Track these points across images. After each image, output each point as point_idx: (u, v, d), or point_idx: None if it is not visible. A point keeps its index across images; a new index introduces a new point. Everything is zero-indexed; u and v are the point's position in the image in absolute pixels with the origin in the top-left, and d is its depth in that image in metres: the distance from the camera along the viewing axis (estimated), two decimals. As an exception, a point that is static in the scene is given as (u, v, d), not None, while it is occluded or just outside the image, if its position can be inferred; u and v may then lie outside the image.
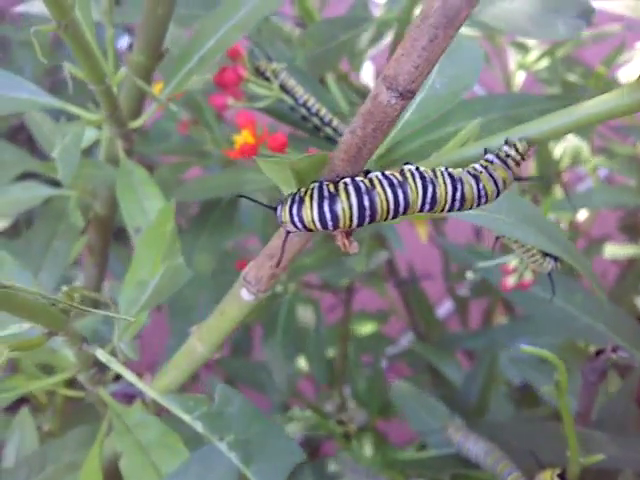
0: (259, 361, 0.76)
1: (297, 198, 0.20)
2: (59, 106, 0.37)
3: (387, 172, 0.20)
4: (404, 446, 0.67)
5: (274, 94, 0.39)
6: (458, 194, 0.21)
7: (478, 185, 0.21)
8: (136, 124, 0.38)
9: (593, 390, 0.39)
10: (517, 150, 0.22)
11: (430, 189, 0.20)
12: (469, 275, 0.49)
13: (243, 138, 0.37)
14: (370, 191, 0.19)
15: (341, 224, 0.19)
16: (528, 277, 0.34)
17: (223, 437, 0.26)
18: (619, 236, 0.88)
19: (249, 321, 0.68)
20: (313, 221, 0.19)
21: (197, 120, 0.53)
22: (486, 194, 0.21)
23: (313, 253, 0.57)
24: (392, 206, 0.20)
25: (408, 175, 0.20)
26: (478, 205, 0.21)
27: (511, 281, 0.34)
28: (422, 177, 0.20)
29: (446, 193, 0.20)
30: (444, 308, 1.13)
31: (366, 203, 0.19)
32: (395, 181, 0.20)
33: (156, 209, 0.36)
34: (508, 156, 0.22)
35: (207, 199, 0.48)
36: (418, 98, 0.25)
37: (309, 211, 0.19)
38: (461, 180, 0.21)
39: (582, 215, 0.83)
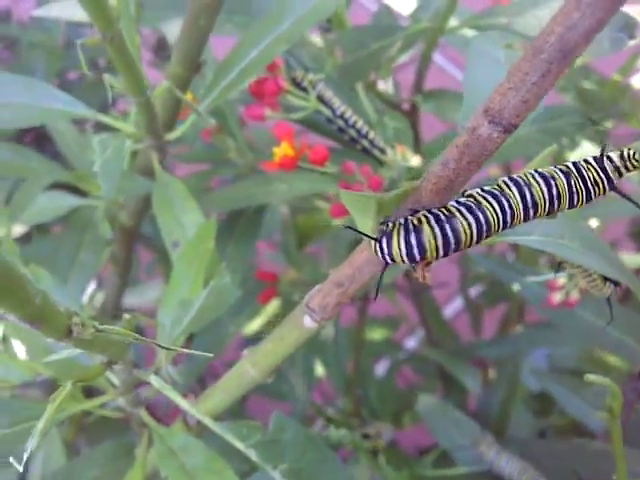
0: (279, 370, 0.76)
1: (396, 231, 0.19)
2: (94, 117, 0.36)
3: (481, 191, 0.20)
4: (415, 454, 0.67)
5: (312, 105, 0.38)
6: (554, 191, 0.20)
7: (569, 181, 0.20)
8: (172, 136, 0.37)
9: (630, 409, 0.39)
10: (622, 157, 0.21)
11: (527, 193, 0.20)
12: (515, 287, 0.48)
13: (282, 150, 0.36)
14: (450, 219, 0.19)
15: (428, 255, 0.19)
16: (575, 296, 0.33)
17: (277, 465, 0.25)
18: (628, 243, 0.88)
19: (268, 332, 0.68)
20: (401, 255, 0.19)
21: (221, 128, 0.52)
22: (578, 192, 0.20)
23: (333, 262, 0.56)
24: (480, 229, 0.19)
25: (502, 186, 0.20)
26: (571, 206, 0.21)
27: (558, 298, 0.33)
28: (516, 183, 0.20)
29: (542, 192, 0.20)
30: (451, 309, 1.13)
31: (449, 232, 0.19)
32: (474, 205, 0.19)
33: (194, 223, 0.36)
34: (610, 160, 0.21)
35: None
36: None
37: (397, 245, 0.19)
38: (553, 177, 0.20)
39: (592, 223, 0.83)
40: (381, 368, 0.97)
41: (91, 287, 0.62)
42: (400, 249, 0.18)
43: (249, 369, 0.26)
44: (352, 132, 0.39)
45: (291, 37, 0.34)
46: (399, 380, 1.13)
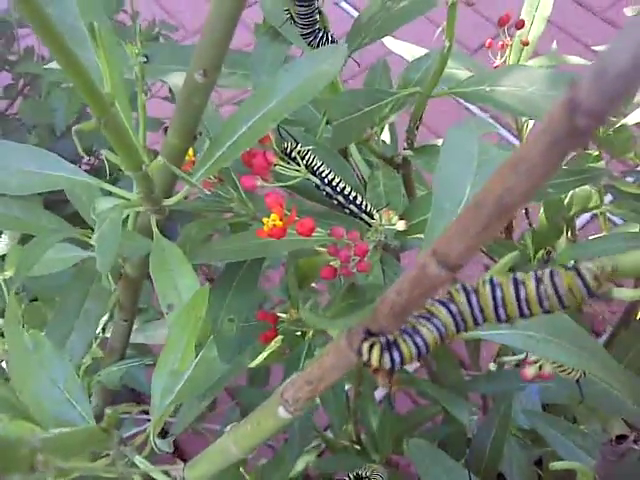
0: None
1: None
2: (96, 185, 0.39)
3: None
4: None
5: (301, 175, 0.40)
6: (522, 294, 0.21)
7: (538, 287, 0.20)
8: (169, 202, 0.40)
9: (611, 466, 0.40)
10: (599, 267, 0.21)
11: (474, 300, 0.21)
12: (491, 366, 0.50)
13: (272, 220, 0.38)
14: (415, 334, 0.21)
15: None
16: (548, 369, 0.35)
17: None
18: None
19: (269, 363, 0.70)
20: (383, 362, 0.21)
21: (222, 178, 0.54)
22: (547, 298, 0.20)
23: (334, 305, 0.58)
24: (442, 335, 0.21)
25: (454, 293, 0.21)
26: (544, 311, 0.21)
27: (531, 372, 0.35)
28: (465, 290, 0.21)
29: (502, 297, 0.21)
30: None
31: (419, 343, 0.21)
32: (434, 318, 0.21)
33: (189, 287, 0.38)
34: (587, 268, 0.20)
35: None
36: (453, 219, 0.26)
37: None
38: (523, 282, 0.21)
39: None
40: (383, 392, 0.99)
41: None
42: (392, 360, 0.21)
43: (231, 447, 0.28)
44: (340, 198, 0.41)
45: (279, 115, 0.36)
46: (405, 400, 1.15)
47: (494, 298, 0.21)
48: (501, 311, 0.22)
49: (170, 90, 0.95)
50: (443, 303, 0.21)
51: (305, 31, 0.45)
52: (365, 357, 0.21)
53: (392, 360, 0.21)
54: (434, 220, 0.25)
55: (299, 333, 0.65)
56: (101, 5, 0.33)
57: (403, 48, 0.69)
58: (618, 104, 0.14)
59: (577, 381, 0.31)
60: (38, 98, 0.93)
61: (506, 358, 0.39)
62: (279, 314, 0.63)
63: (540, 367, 0.34)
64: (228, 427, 0.29)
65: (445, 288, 0.21)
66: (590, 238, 0.78)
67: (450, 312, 0.21)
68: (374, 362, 0.21)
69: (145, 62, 0.57)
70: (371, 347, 0.21)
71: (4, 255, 0.66)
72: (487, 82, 0.42)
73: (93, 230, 0.48)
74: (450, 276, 0.18)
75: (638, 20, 0.13)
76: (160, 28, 1.10)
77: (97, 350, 0.56)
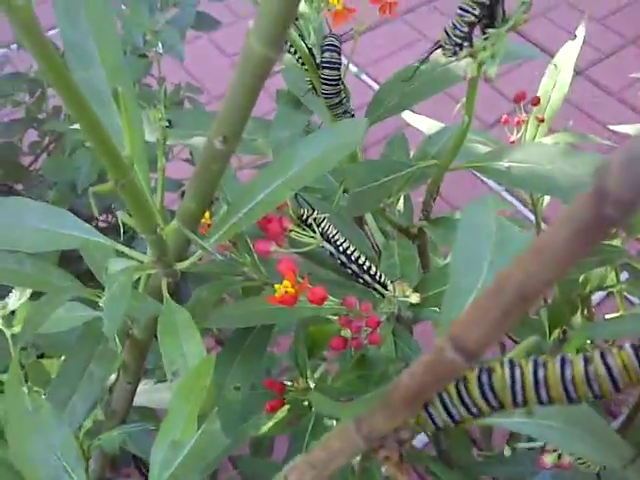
0: (280, 462, 0.75)
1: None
2: (110, 245, 0.39)
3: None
4: None
5: (316, 242, 0.40)
6: (568, 373, 0.19)
7: (587, 367, 0.19)
8: (182, 266, 0.39)
9: None
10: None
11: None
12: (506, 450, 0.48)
13: (284, 288, 0.38)
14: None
15: None
16: (567, 460, 0.33)
17: None
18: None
19: (274, 433, 0.68)
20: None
21: (235, 242, 0.54)
22: (597, 379, 0.19)
23: (341, 378, 0.56)
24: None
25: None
26: (595, 397, 0.20)
27: (549, 460, 0.33)
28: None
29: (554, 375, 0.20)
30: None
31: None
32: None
33: (195, 354, 0.37)
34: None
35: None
36: (468, 300, 0.25)
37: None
38: (571, 361, 0.19)
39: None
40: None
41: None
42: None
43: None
44: (354, 267, 0.41)
45: (297, 184, 0.36)
46: (412, 476, 1.10)
47: (536, 378, 0.20)
48: (543, 393, 0.20)
49: (191, 153, 0.97)
50: (481, 382, 0.20)
51: (331, 102, 0.46)
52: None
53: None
54: (451, 298, 0.24)
55: (306, 403, 0.64)
56: (127, 71, 0.33)
57: (421, 122, 0.70)
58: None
59: (597, 474, 0.30)
60: (62, 155, 0.95)
61: (522, 445, 0.38)
62: (286, 382, 0.61)
63: (559, 456, 0.33)
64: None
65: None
66: (607, 317, 0.77)
67: (483, 393, 0.20)
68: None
69: (168, 126, 0.58)
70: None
71: (14, 310, 0.66)
72: (505, 158, 0.42)
73: (104, 290, 0.48)
74: (469, 364, 0.17)
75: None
76: (185, 91, 1.13)
77: (99, 412, 0.54)
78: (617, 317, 0.75)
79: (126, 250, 0.38)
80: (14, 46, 1.08)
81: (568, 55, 0.74)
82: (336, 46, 0.43)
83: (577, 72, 1.64)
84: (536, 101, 0.69)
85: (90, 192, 0.30)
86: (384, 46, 1.79)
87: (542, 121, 0.72)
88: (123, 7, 1.01)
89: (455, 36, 0.32)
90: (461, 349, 0.17)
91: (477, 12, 0.31)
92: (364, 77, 1.75)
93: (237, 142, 0.34)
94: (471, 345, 0.16)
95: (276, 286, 0.38)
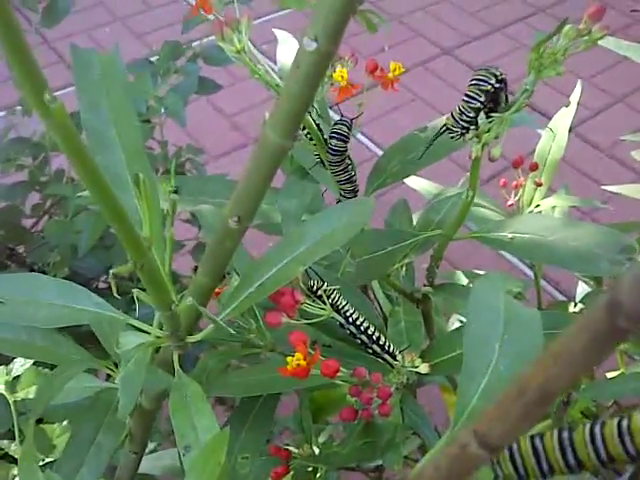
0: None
1: None
2: (123, 319, 0.39)
3: None
4: None
5: (326, 314, 0.41)
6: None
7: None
8: (193, 339, 0.40)
9: None
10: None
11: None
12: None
13: (296, 360, 0.38)
14: None
15: None
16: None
17: None
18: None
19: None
20: None
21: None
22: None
23: (348, 444, 0.56)
24: None
25: None
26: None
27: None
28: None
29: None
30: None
31: None
32: None
33: (207, 428, 0.37)
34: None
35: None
36: (483, 383, 0.26)
37: None
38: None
39: None
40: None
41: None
42: None
43: None
44: (364, 337, 0.41)
45: (307, 260, 0.37)
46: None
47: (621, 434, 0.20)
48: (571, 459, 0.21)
49: (192, 214, 0.99)
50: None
51: (341, 179, 0.48)
52: None
53: None
54: (465, 381, 0.25)
55: (311, 469, 0.63)
56: (145, 157, 0.35)
57: (422, 186, 0.72)
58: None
59: None
60: (64, 218, 0.96)
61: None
62: (291, 449, 0.61)
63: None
64: None
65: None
66: (609, 377, 0.77)
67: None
68: None
69: (175, 192, 0.60)
70: None
71: (18, 375, 0.65)
72: (508, 229, 0.44)
73: (110, 358, 0.48)
74: (492, 455, 0.17)
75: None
76: (186, 153, 1.15)
77: (104, 483, 0.54)
78: (619, 376, 0.75)
79: (140, 324, 0.39)
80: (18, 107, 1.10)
81: (563, 119, 0.76)
82: (344, 135, 0.45)
83: (568, 129, 1.69)
84: (534, 167, 0.71)
85: (111, 274, 0.31)
86: (380, 106, 1.84)
87: (540, 185, 0.74)
88: (128, 75, 1.04)
89: (462, 120, 0.34)
90: (485, 444, 0.17)
91: (482, 99, 0.33)
92: (360, 136, 1.79)
93: (251, 221, 0.36)
94: (494, 441, 0.17)
95: (288, 359, 0.38)
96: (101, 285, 1.05)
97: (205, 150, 1.73)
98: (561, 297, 1.41)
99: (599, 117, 1.81)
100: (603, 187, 0.89)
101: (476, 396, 0.26)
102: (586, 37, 0.31)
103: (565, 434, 0.21)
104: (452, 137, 0.35)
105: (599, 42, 0.68)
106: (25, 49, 0.23)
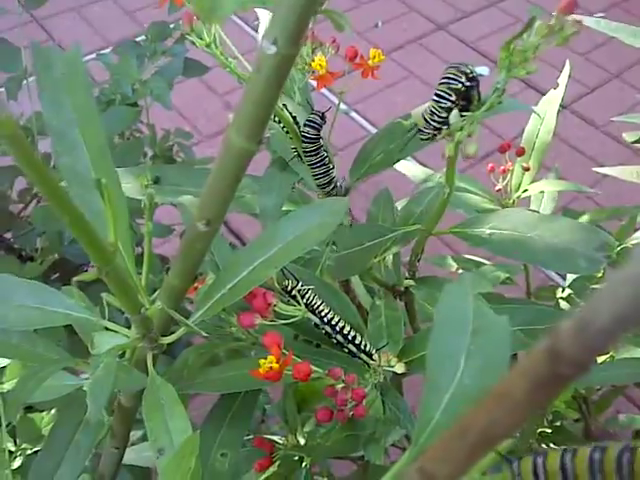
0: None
1: None
2: (96, 321, 0.39)
3: None
4: None
5: (301, 314, 0.40)
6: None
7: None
8: (167, 340, 0.39)
9: None
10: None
11: None
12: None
13: (268, 363, 0.38)
14: None
15: None
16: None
17: None
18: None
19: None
20: None
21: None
22: None
23: (331, 436, 0.56)
24: None
25: None
26: None
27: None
28: None
29: None
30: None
31: None
32: None
33: (180, 430, 0.37)
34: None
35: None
36: (446, 397, 0.25)
37: None
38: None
39: None
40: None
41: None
42: None
43: None
44: (339, 337, 0.41)
45: (280, 262, 0.36)
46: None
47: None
48: None
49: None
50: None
51: (316, 171, 0.47)
52: None
53: None
54: (428, 395, 0.25)
55: (297, 458, 0.63)
56: (110, 157, 0.34)
57: (410, 170, 0.71)
58: (599, 355, 0.14)
59: None
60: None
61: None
62: (275, 439, 0.61)
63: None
64: None
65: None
66: (598, 361, 0.77)
67: None
68: None
69: (156, 182, 0.59)
70: None
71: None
72: (487, 224, 0.43)
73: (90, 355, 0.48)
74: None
75: (618, 277, 0.13)
76: (175, 136, 1.14)
77: (87, 477, 0.54)
78: (605, 363, 0.75)
79: (111, 325, 0.39)
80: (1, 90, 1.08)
81: (552, 102, 0.75)
82: (317, 124, 0.45)
83: (563, 106, 1.67)
84: (521, 152, 0.70)
85: (73, 282, 0.30)
86: (373, 84, 1.81)
87: (527, 169, 0.73)
88: (114, 56, 1.03)
89: (433, 121, 0.33)
90: (431, 481, 0.17)
91: (453, 98, 0.32)
92: (353, 114, 1.77)
93: (220, 223, 0.35)
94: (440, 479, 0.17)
95: (260, 361, 0.38)
96: (89, 271, 1.04)
97: (197, 130, 1.72)
98: (556, 277, 1.40)
99: (595, 93, 1.79)
100: (594, 169, 0.88)
101: (439, 411, 0.26)
102: (558, 33, 0.30)
103: (596, 455, 0.20)
104: (422, 139, 0.34)
105: (588, 23, 0.66)
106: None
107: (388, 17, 2.06)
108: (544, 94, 0.76)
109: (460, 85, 0.31)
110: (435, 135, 0.33)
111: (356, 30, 1.89)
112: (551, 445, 0.73)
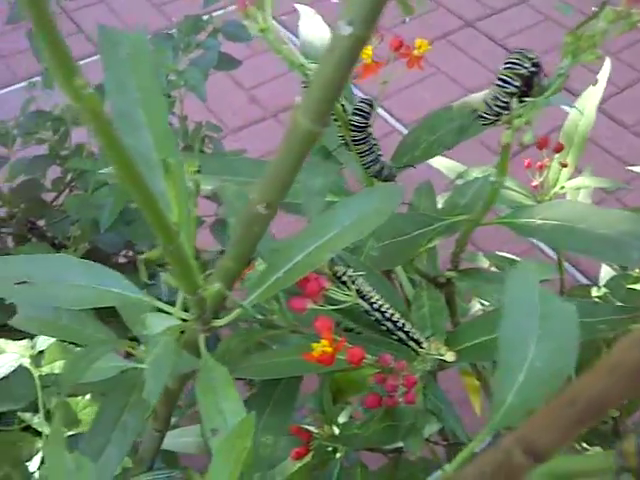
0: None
1: None
2: (149, 302, 0.39)
3: None
4: None
5: (351, 300, 0.40)
6: None
7: None
8: (220, 323, 0.40)
9: None
10: None
11: None
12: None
13: (321, 346, 0.38)
14: None
15: None
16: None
17: None
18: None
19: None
20: None
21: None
22: None
23: (369, 426, 0.56)
24: None
25: None
26: None
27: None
28: None
29: None
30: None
31: None
32: None
33: (233, 411, 0.37)
34: None
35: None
36: (520, 378, 0.25)
37: None
38: None
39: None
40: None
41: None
42: None
43: None
44: (389, 324, 0.41)
45: (335, 247, 0.36)
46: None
47: None
48: None
49: (215, 194, 0.98)
50: None
51: (365, 159, 0.47)
52: None
53: None
54: (501, 378, 0.25)
55: (331, 449, 0.64)
56: (173, 138, 0.34)
57: (445, 165, 0.71)
58: None
59: None
60: (85, 193, 0.96)
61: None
62: (311, 429, 0.61)
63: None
64: None
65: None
66: None
67: None
68: None
69: (197, 172, 0.59)
70: None
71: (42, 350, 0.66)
72: (537, 215, 0.43)
73: (136, 339, 0.48)
74: (536, 466, 0.17)
75: None
76: (205, 129, 1.14)
77: (127, 460, 0.55)
78: None
79: (166, 307, 0.39)
80: (37, 78, 1.10)
81: (591, 98, 0.74)
82: (366, 112, 0.45)
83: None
84: (559, 148, 0.69)
85: (139, 260, 0.31)
86: (399, 80, 1.81)
87: (565, 166, 0.73)
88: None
89: (496, 106, 0.33)
90: (530, 452, 0.17)
91: (517, 83, 0.32)
92: (379, 110, 1.77)
93: (278, 206, 0.35)
94: (540, 449, 0.17)
95: (313, 345, 0.38)
96: (121, 260, 1.05)
97: (223, 123, 1.72)
98: (580, 277, 1.39)
99: (624, 94, 1.77)
100: (628, 168, 0.87)
101: (512, 393, 0.26)
102: (624, 20, 0.30)
103: None
104: (484, 124, 0.34)
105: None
106: (56, 34, 0.23)
107: (415, 14, 2.05)
108: (574, 94, 0.75)
109: (525, 70, 0.31)
110: (495, 122, 0.33)
111: (383, 26, 1.89)
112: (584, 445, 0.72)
